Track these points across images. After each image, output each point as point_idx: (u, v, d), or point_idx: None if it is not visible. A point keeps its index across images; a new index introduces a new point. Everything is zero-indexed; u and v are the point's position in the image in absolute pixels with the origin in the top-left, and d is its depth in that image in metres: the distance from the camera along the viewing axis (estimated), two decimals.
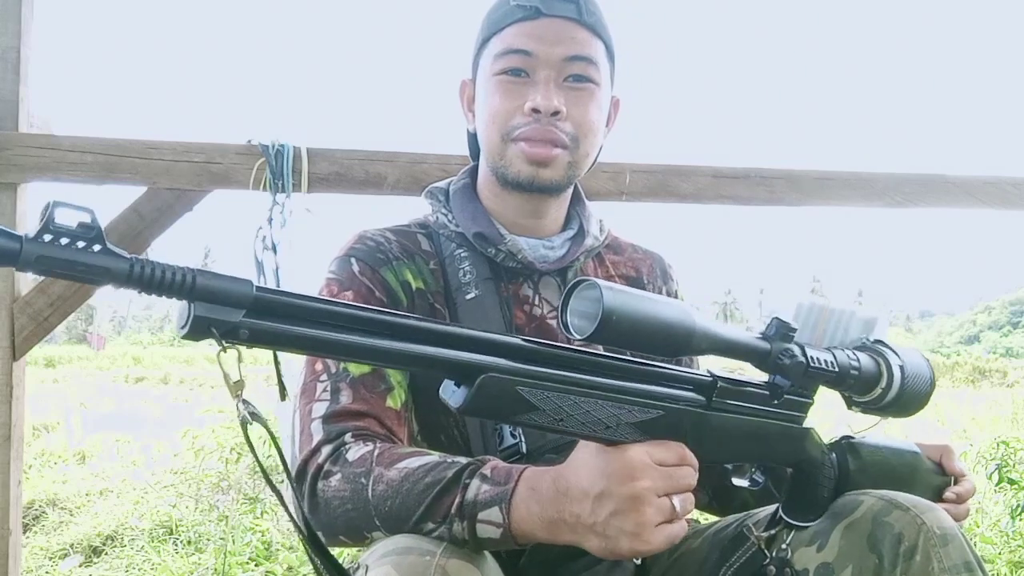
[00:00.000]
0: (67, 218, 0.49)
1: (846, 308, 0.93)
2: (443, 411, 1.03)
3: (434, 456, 0.84)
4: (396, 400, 0.98)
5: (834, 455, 0.93)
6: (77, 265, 0.50)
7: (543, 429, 0.72)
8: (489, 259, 1.08)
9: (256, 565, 2.75)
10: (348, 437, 0.91)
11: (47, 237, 0.49)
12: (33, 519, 3.72)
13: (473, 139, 1.16)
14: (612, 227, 1.21)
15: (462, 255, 1.08)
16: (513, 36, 1.03)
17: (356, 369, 0.96)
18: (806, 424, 0.90)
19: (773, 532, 0.92)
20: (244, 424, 0.61)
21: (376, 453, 0.86)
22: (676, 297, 1.23)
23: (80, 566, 3.01)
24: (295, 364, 1.95)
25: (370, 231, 1.09)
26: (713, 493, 1.18)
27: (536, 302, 1.09)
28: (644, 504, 0.72)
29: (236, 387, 0.60)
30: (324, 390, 0.95)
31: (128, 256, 0.52)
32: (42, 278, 1.85)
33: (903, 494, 0.87)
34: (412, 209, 1.21)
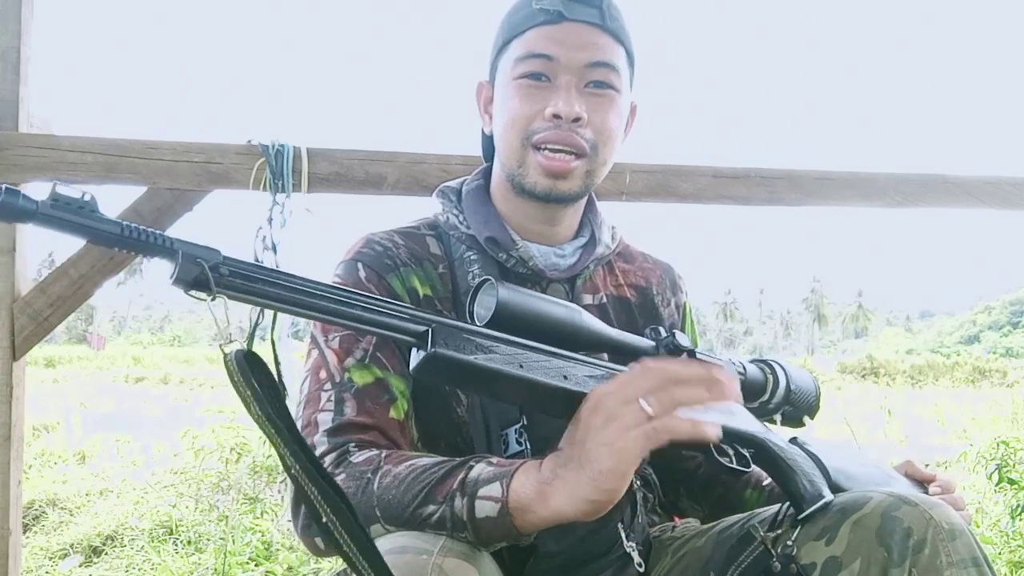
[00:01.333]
0: (70, 193, 0.62)
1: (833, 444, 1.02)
2: (444, 419, 1.03)
3: (444, 457, 0.85)
4: (399, 411, 0.98)
5: (795, 446, 0.96)
6: (78, 224, 0.61)
7: (510, 378, 0.76)
8: (499, 263, 1.07)
9: (256, 565, 2.75)
10: (352, 447, 0.91)
11: (54, 203, 0.61)
12: (33, 519, 3.72)
13: (488, 141, 1.15)
14: (623, 234, 1.21)
15: (472, 258, 1.07)
16: (535, 40, 1.01)
17: (360, 379, 0.96)
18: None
19: (780, 531, 0.92)
20: (239, 359, 0.71)
21: (384, 455, 0.87)
22: (683, 308, 1.23)
23: (80, 566, 3.01)
24: (296, 365, 1.95)
25: (377, 234, 1.07)
26: (711, 509, 1.19)
27: None
28: (613, 414, 0.74)
29: (225, 331, 0.71)
30: (328, 400, 0.95)
31: (119, 221, 0.63)
32: (42, 278, 1.85)
33: (911, 490, 0.90)
34: (412, 209, 1.20)
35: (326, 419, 0.93)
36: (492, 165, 1.15)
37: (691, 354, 0.91)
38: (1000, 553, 2.78)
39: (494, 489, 0.77)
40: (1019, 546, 2.83)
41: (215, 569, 2.71)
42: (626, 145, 1.16)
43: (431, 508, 0.79)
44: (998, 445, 3.67)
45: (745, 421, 0.92)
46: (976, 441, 5.20)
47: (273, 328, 1.90)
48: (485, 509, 0.77)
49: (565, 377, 0.78)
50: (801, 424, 1.04)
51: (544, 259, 1.08)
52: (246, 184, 1.83)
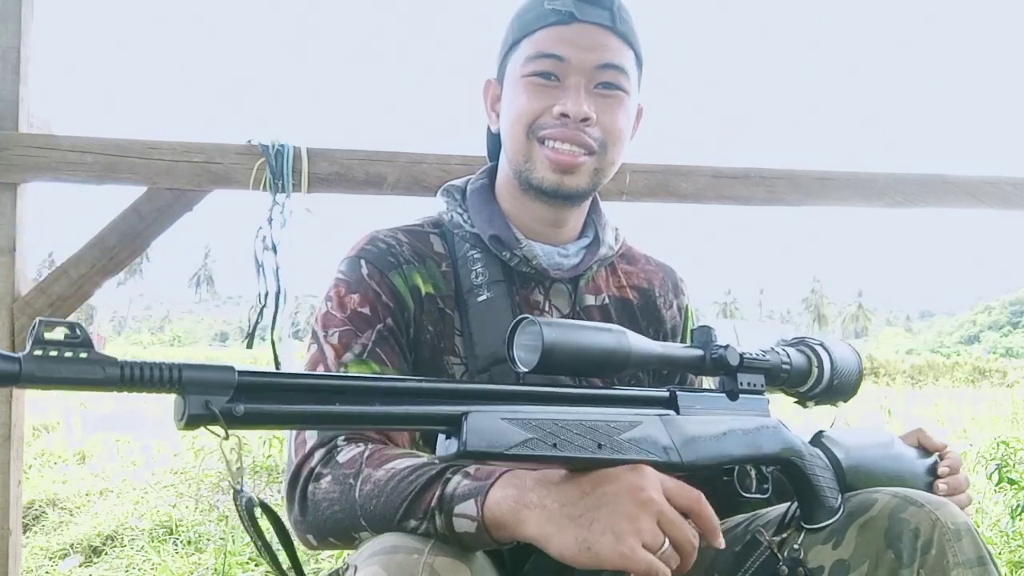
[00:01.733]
0: (54, 332, 0.54)
1: (752, 322, 0.99)
2: None
3: (423, 457, 0.84)
4: None
5: (818, 449, 0.95)
6: (72, 379, 0.54)
7: (542, 460, 0.73)
8: (502, 262, 1.07)
9: (256, 565, 2.75)
10: (340, 440, 0.91)
11: (39, 352, 0.53)
12: (33, 519, 3.72)
13: (494, 139, 1.15)
14: (626, 236, 1.20)
15: (475, 256, 1.07)
16: (545, 40, 1.01)
17: (355, 371, 0.97)
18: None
19: (786, 535, 0.92)
20: (249, 508, 0.66)
21: (367, 454, 0.86)
22: (685, 311, 1.23)
23: (80, 566, 3.01)
24: (297, 365, 1.95)
25: (382, 232, 1.08)
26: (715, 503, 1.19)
27: (546, 308, 1.09)
28: (644, 511, 0.72)
29: (237, 474, 0.65)
30: None
31: (118, 359, 0.55)
32: (42, 278, 1.85)
33: (915, 491, 0.89)
34: (412, 209, 1.20)
35: None
36: (497, 164, 1.15)
37: (740, 361, 0.88)
38: (1000, 553, 2.78)
39: (469, 507, 0.76)
40: (1019, 546, 2.83)
41: (215, 569, 2.71)
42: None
43: (413, 523, 0.79)
44: (998, 445, 3.67)
45: (777, 439, 0.91)
46: (976, 441, 5.20)
47: (273, 328, 1.91)
48: (463, 526, 0.77)
49: (600, 446, 0.75)
50: (835, 404, 1.00)
51: (548, 258, 1.08)
52: (246, 184, 1.83)
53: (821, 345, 0.96)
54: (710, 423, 0.85)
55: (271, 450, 4.38)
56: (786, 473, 0.93)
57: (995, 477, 3.35)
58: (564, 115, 1.00)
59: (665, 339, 1.19)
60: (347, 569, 0.78)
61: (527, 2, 1.06)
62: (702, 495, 0.78)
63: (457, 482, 0.79)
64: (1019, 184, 2.06)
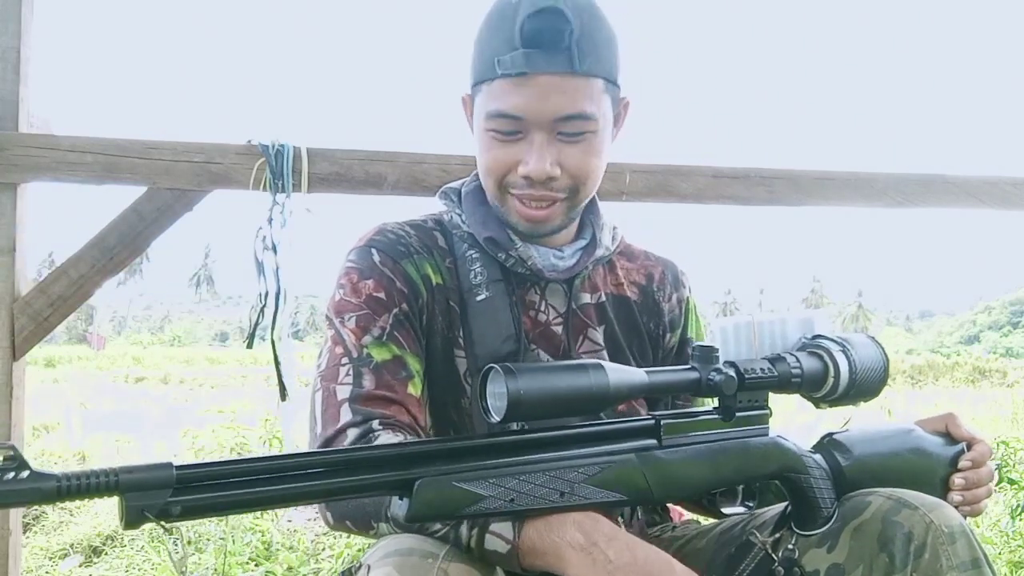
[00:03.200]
0: None
1: (775, 316, 0.95)
2: (453, 405, 1.04)
3: None
4: (416, 388, 0.99)
5: (819, 456, 0.93)
6: (12, 494, 0.58)
7: (498, 515, 0.74)
8: (499, 262, 1.08)
9: (256, 565, 2.75)
10: (376, 424, 0.91)
11: None
12: (33, 519, 3.72)
13: None
14: (624, 234, 1.21)
15: (473, 256, 1.08)
16: (501, 96, 0.98)
17: (378, 355, 0.97)
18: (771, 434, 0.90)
19: (779, 536, 0.92)
20: None
21: None
22: (686, 304, 1.22)
23: (80, 566, 3.01)
24: (296, 365, 1.95)
25: (389, 224, 1.09)
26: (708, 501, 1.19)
27: (542, 308, 1.09)
28: None
29: (180, 564, 0.67)
30: (347, 373, 0.96)
31: (53, 473, 0.59)
32: (42, 278, 1.85)
33: (911, 492, 0.88)
34: (412, 209, 1.21)
35: (345, 391, 0.94)
36: None
37: (741, 383, 0.85)
38: (1000, 553, 2.78)
39: (505, 529, 0.76)
40: (1019, 546, 2.83)
41: (215, 569, 2.70)
42: (626, 145, 1.15)
43: (436, 526, 0.79)
44: (998, 445, 3.67)
45: (771, 457, 0.89)
46: None
47: (273, 328, 1.90)
48: (494, 544, 0.77)
49: (562, 494, 0.75)
50: (855, 405, 0.97)
51: (543, 260, 1.09)
52: (246, 184, 1.83)
53: (841, 347, 0.92)
54: (694, 453, 0.83)
55: (270, 450, 4.38)
56: (783, 485, 0.92)
57: (995, 477, 3.35)
58: (527, 177, 0.99)
59: (663, 332, 1.19)
60: (360, 568, 0.78)
61: (485, 31, 1.01)
62: None
63: None
64: (1019, 184, 2.06)
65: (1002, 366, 21.62)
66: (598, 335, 1.12)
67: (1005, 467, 3.37)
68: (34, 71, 1.85)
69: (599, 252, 1.12)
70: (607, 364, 0.79)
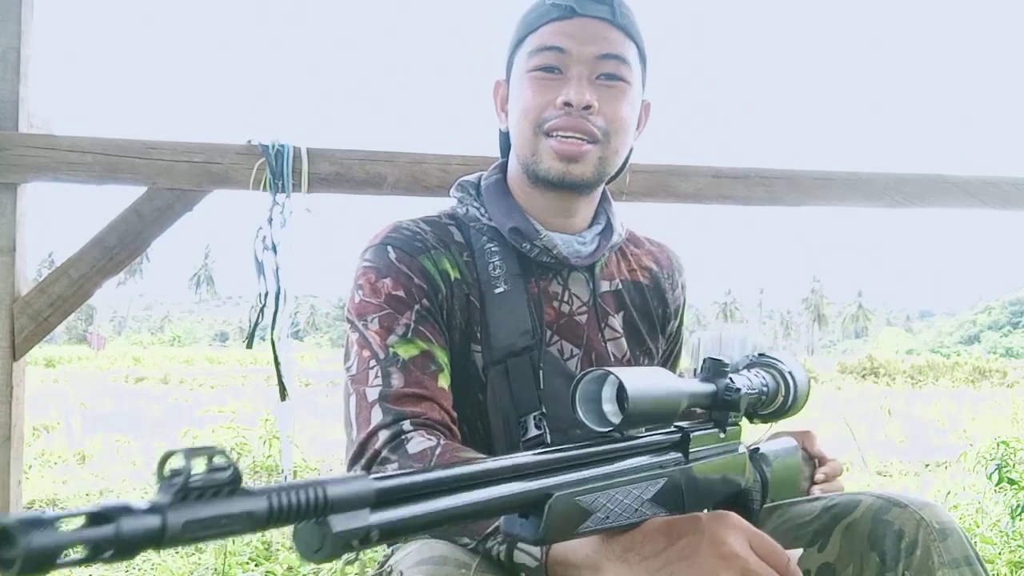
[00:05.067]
0: (196, 465, 0.41)
1: (725, 332, 0.97)
2: (468, 402, 1.04)
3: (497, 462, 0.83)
4: (446, 380, 0.99)
5: (755, 471, 0.93)
6: (219, 521, 0.42)
7: (594, 532, 0.69)
8: (520, 254, 1.08)
9: (256, 565, 2.75)
10: (407, 425, 0.91)
11: (184, 497, 0.41)
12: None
13: (504, 138, 1.17)
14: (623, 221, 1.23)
15: (493, 249, 1.08)
16: (547, 34, 1.05)
17: (405, 352, 0.97)
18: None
19: None
20: None
21: (438, 451, 0.86)
22: (684, 289, 1.24)
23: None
24: (295, 365, 1.95)
25: (404, 221, 1.09)
26: None
27: (565, 298, 1.10)
28: (727, 567, 0.69)
29: None
30: (376, 376, 0.96)
31: (263, 489, 0.44)
32: (42, 278, 1.85)
33: (899, 492, 0.90)
34: (412, 209, 1.21)
35: (374, 392, 0.94)
36: (507, 160, 1.17)
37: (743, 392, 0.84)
38: (1000, 553, 2.78)
39: (532, 547, 0.75)
40: (1019, 546, 2.83)
41: (215, 569, 2.71)
42: None
43: (466, 540, 0.79)
44: (998, 445, 3.66)
45: (743, 470, 0.89)
46: (976, 441, 5.19)
47: (273, 328, 1.91)
48: (523, 559, 0.76)
49: (635, 510, 0.72)
50: (774, 421, 0.98)
51: (567, 247, 1.10)
52: (246, 184, 1.83)
53: (789, 369, 0.93)
54: (710, 467, 0.82)
55: (270, 450, 4.38)
56: (732, 499, 0.90)
57: (995, 477, 3.35)
58: (567, 104, 1.02)
59: (669, 318, 1.21)
60: (391, 573, 0.78)
61: (531, 2, 1.09)
62: (792, 559, 0.73)
63: None
64: (1019, 184, 2.06)
65: (1002, 366, 21.63)
66: (617, 322, 1.14)
67: (1005, 467, 3.37)
68: (34, 71, 1.85)
69: (615, 238, 1.14)
70: (671, 373, 0.77)
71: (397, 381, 0.95)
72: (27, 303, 1.79)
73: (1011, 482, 3.25)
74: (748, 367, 0.92)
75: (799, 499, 1.01)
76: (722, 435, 0.85)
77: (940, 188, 2.04)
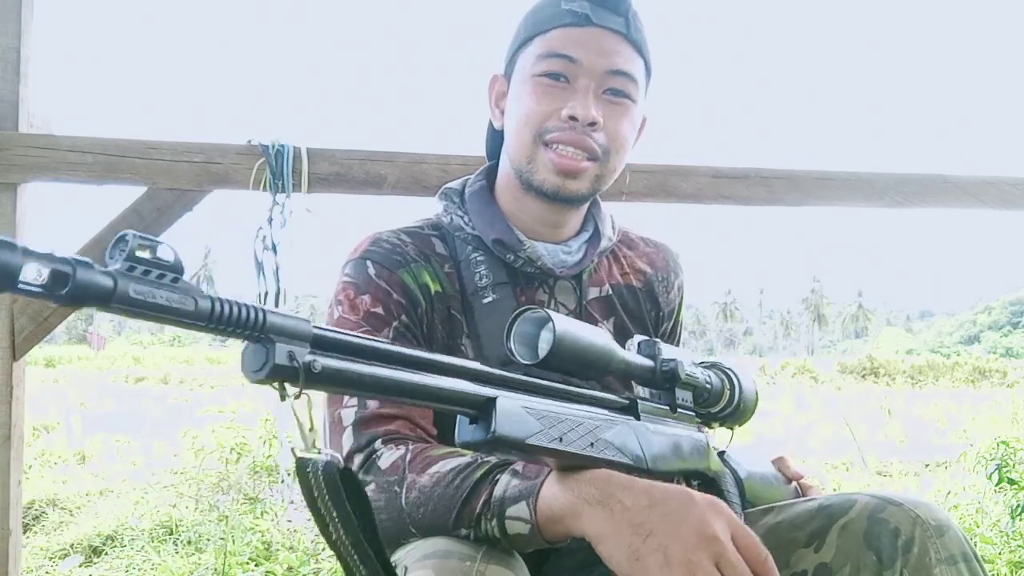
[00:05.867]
0: (145, 250, 0.46)
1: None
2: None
3: (467, 456, 0.83)
4: None
5: (727, 468, 0.95)
6: (168, 301, 0.47)
7: (548, 453, 0.71)
8: (506, 263, 1.07)
9: (256, 565, 2.75)
10: (378, 444, 0.90)
11: (132, 269, 0.45)
12: (33, 519, 3.72)
13: (495, 136, 1.15)
14: (618, 221, 1.21)
15: (478, 259, 1.07)
16: (558, 40, 1.02)
17: None
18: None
19: None
20: (329, 473, 0.58)
21: (408, 458, 0.86)
22: (680, 290, 1.24)
23: (80, 566, 3.00)
24: None
25: (384, 233, 1.07)
26: None
27: (552, 306, 1.09)
28: (705, 546, 0.69)
29: (311, 436, 0.58)
30: (350, 396, 0.95)
31: (207, 294, 0.49)
32: None
33: (894, 491, 0.90)
34: (412, 209, 1.20)
35: (349, 414, 0.93)
36: (495, 164, 1.15)
37: (669, 378, 0.86)
38: (1000, 553, 2.78)
39: (521, 510, 0.76)
40: (1019, 546, 2.83)
41: (215, 569, 2.71)
42: None
43: (464, 531, 0.80)
44: (998, 445, 3.67)
45: (706, 455, 0.90)
46: (976, 441, 5.19)
47: None
48: (516, 527, 0.77)
49: (591, 444, 0.74)
50: (732, 427, 1.00)
51: (552, 257, 1.09)
52: (246, 184, 1.83)
53: (731, 368, 0.96)
54: (664, 434, 0.83)
55: (270, 450, 4.38)
56: (705, 488, 0.92)
57: (995, 477, 3.35)
58: (572, 118, 1.00)
59: (662, 320, 1.20)
60: (396, 568, 0.79)
61: (542, 1, 1.06)
62: (770, 556, 0.73)
63: (506, 483, 0.78)
64: (1019, 184, 2.06)
65: (1002, 366, 21.62)
66: (608, 328, 1.12)
67: (1005, 467, 3.38)
68: (34, 71, 1.85)
69: (603, 244, 1.13)
70: (607, 333, 0.80)
71: (372, 402, 0.93)
72: (27, 303, 1.79)
73: (1011, 482, 3.25)
74: (700, 366, 0.94)
75: (794, 500, 1.01)
76: (674, 414, 0.86)
77: (939, 188, 2.04)
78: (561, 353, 0.72)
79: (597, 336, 0.77)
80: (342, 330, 0.59)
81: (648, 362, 0.85)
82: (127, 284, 0.45)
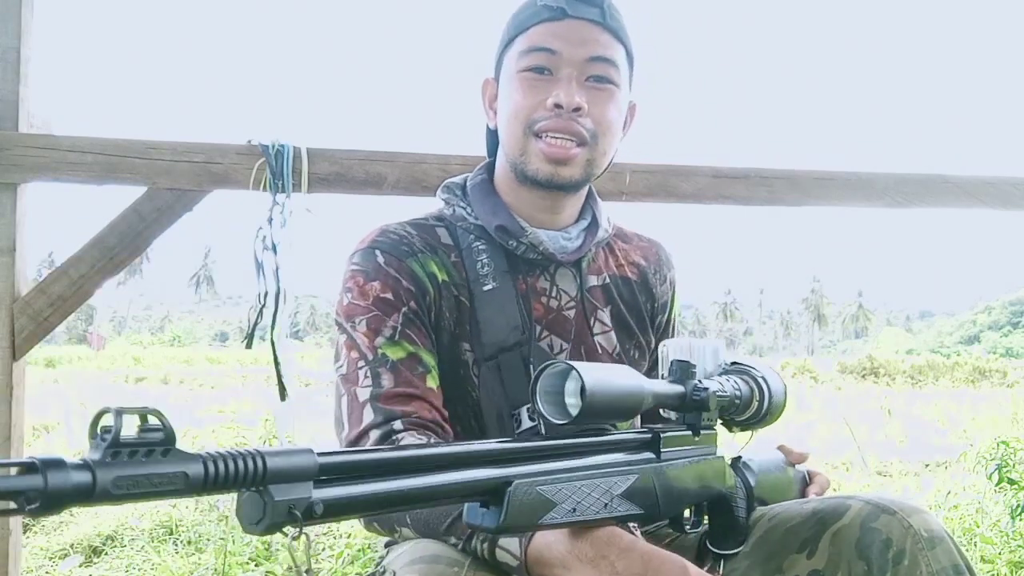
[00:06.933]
0: (131, 425, 0.44)
1: (695, 342, 0.95)
2: (461, 401, 1.05)
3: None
4: (435, 381, 1.00)
5: (738, 477, 0.95)
6: (151, 480, 0.44)
7: (558, 527, 0.70)
8: (507, 252, 1.09)
9: (256, 565, 2.75)
10: (398, 424, 0.93)
11: (116, 455, 0.43)
12: (33, 519, 3.72)
13: (492, 136, 1.19)
14: (613, 218, 1.24)
15: (480, 247, 1.09)
16: (538, 35, 1.06)
17: (393, 354, 0.99)
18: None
19: (708, 565, 0.92)
20: None
21: None
22: (672, 285, 1.25)
23: (80, 566, 3.00)
24: (295, 365, 1.95)
25: (391, 225, 1.11)
26: None
27: (553, 293, 1.11)
28: None
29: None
30: (365, 376, 0.97)
31: (199, 454, 0.46)
32: (42, 278, 1.85)
33: (889, 497, 0.89)
34: (412, 209, 1.21)
35: (366, 392, 0.96)
36: (494, 160, 1.18)
37: (691, 396, 0.84)
38: (1000, 553, 2.78)
39: (513, 545, 0.77)
40: (1019, 546, 2.83)
41: (215, 569, 2.71)
42: (626, 145, 1.19)
43: (453, 540, 0.81)
44: (998, 445, 3.66)
45: (721, 476, 0.89)
46: (976, 441, 5.19)
47: (273, 328, 1.90)
48: (504, 557, 0.78)
49: (605, 505, 0.72)
50: (754, 431, 0.98)
51: (553, 243, 1.11)
52: (246, 184, 1.83)
53: (761, 372, 0.94)
54: (683, 468, 0.82)
55: None
56: (714, 504, 0.92)
57: (995, 477, 3.35)
58: (557, 105, 1.03)
59: (656, 313, 1.22)
60: (384, 573, 0.80)
61: (522, 2, 1.10)
62: None
63: None
64: (1019, 184, 2.06)
65: (1002, 366, 21.62)
66: (606, 316, 1.15)
67: (1005, 467, 3.37)
68: (34, 71, 1.85)
69: (600, 233, 1.15)
70: (633, 370, 0.77)
71: (387, 382, 0.96)
72: (27, 303, 1.79)
73: (1011, 482, 3.25)
74: (721, 374, 0.92)
75: (791, 502, 1.01)
76: (696, 438, 0.85)
77: (939, 188, 2.04)
78: (594, 409, 0.68)
79: (625, 378, 0.73)
80: (349, 449, 0.59)
81: (678, 388, 0.83)
82: (110, 474, 0.42)
